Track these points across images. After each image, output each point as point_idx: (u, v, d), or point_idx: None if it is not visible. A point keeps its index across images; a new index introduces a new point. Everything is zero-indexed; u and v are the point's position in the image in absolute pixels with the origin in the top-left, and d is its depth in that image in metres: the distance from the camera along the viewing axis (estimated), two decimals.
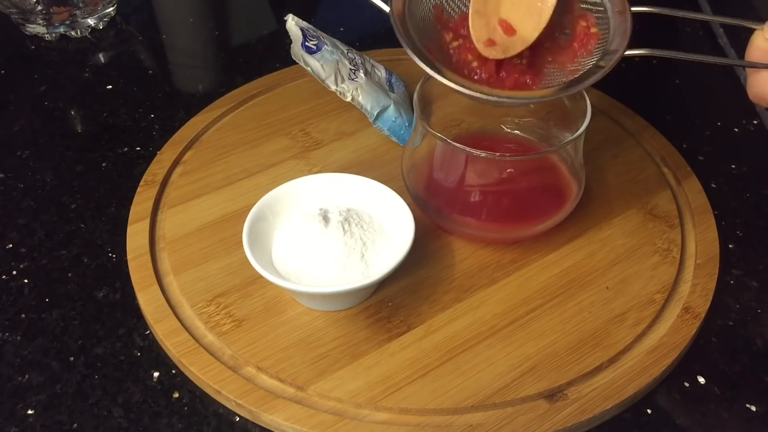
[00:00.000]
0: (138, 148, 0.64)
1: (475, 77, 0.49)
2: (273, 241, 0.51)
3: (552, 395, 0.46)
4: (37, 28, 0.75)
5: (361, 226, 0.50)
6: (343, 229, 0.49)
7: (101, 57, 0.75)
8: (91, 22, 0.76)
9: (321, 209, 0.50)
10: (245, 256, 0.48)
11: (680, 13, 0.50)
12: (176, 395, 0.47)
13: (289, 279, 0.48)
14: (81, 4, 0.75)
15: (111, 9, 0.77)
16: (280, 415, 0.44)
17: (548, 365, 0.47)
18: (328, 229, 0.49)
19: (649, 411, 0.47)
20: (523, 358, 0.47)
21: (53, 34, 0.75)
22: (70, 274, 0.54)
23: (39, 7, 0.74)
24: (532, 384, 0.46)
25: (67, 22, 0.75)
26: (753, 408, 0.47)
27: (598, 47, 0.49)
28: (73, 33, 0.75)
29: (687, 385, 0.48)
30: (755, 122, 0.68)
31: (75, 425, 0.45)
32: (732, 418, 0.46)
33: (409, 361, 0.47)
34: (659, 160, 0.62)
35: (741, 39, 0.74)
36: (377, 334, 0.49)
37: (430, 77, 0.53)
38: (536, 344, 0.48)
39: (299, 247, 0.49)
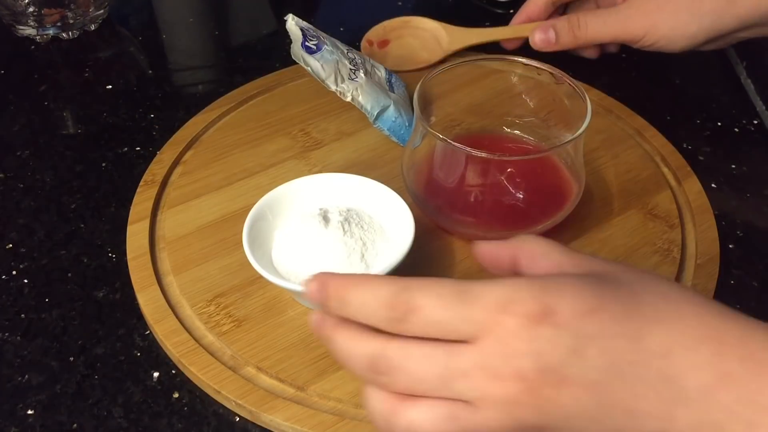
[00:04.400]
0: (138, 148, 0.64)
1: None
2: (273, 241, 0.51)
3: None
4: (27, 30, 0.75)
5: (361, 226, 0.50)
6: (343, 229, 0.49)
7: (101, 57, 0.75)
8: (82, 23, 0.76)
9: (321, 209, 0.50)
10: (245, 256, 0.48)
11: None
12: (176, 395, 0.47)
13: (289, 279, 0.48)
14: (72, 6, 0.74)
15: (102, 11, 0.77)
16: (280, 415, 0.44)
17: None
18: (328, 229, 0.49)
19: None
20: None
21: (44, 36, 0.75)
22: (70, 274, 0.54)
23: (30, 9, 0.73)
24: None
25: (59, 24, 0.75)
26: None
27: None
28: (64, 35, 0.75)
29: None
30: (755, 122, 0.68)
31: (75, 425, 0.45)
32: None
33: None
34: (659, 160, 0.62)
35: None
36: None
37: (431, 77, 0.54)
38: None
39: (299, 247, 0.49)
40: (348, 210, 0.51)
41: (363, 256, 0.49)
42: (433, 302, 0.32)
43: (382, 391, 0.34)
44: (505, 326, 0.31)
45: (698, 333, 0.32)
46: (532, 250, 0.37)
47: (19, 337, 0.50)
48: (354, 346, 0.34)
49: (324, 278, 0.35)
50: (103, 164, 0.63)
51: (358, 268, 0.48)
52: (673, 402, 0.31)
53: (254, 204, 0.51)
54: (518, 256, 0.37)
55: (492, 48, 0.72)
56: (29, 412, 0.46)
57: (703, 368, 0.31)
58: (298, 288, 0.46)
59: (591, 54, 0.70)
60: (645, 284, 0.34)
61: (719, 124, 0.68)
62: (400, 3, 0.83)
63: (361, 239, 0.49)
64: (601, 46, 0.70)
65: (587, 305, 0.32)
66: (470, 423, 0.32)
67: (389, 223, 0.51)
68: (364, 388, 0.35)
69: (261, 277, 0.47)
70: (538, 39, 0.67)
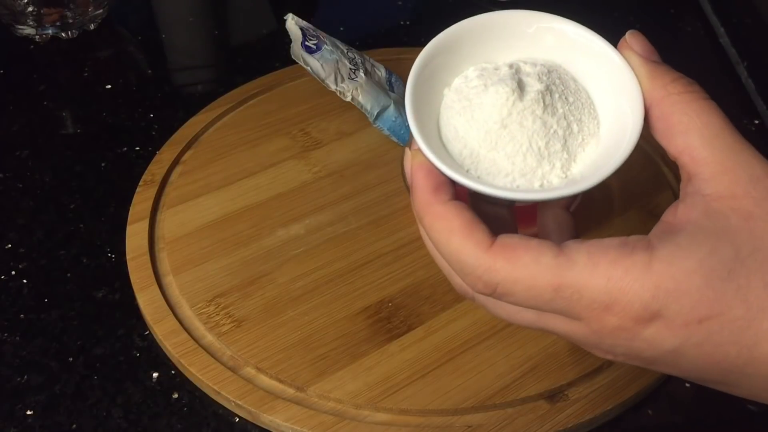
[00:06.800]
0: (137, 148, 0.64)
1: None
2: (441, 103, 0.36)
3: (553, 396, 0.46)
4: (26, 30, 0.74)
5: (566, 98, 0.35)
6: (544, 102, 0.34)
7: (100, 57, 0.75)
8: (82, 23, 0.75)
9: (512, 67, 0.35)
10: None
11: None
12: (176, 396, 0.47)
13: (463, 165, 0.34)
14: (72, 5, 0.74)
15: (102, 11, 0.76)
16: (279, 415, 0.44)
17: (549, 365, 0.47)
18: (524, 101, 0.34)
19: (650, 411, 0.47)
20: (524, 359, 0.47)
21: (43, 36, 0.75)
22: (69, 274, 0.54)
23: (30, 8, 0.73)
24: (532, 384, 0.46)
25: (58, 23, 0.74)
26: (753, 408, 0.47)
27: None
28: (63, 35, 0.75)
29: (688, 385, 0.48)
30: (756, 122, 0.68)
31: (74, 426, 0.45)
32: (732, 418, 0.46)
33: (410, 361, 0.47)
34: (659, 159, 0.62)
35: (741, 39, 0.74)
36: (377, 335, 0.48)
37: None
38: (537, 344, 0.48)
39: (479, 125, 0.34)
40: (549, 72, 0.35)
41: (565, 142, 0.34)
42: (523, 295, 0.31)
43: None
44: (604, 323, 0.30)
45: None
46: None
47: (18, 337, 0.50)
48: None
49: (413, 181, 0.34)
50: (103, 164, 0.63)
51: (557, 161, 0.34)
52: None
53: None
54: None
55: None
56: (29, 412, 0.46)
57: None
58: (481, 188, 0.32)
59: None
60: None
61: None
62: (400, 3, 0.83)
63: (564, 118, 0.34)
64: None
65: (700, 314, 0.29)
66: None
67: (600, 97, 0.36)
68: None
69: (261, 277, 0.47)
70: None
